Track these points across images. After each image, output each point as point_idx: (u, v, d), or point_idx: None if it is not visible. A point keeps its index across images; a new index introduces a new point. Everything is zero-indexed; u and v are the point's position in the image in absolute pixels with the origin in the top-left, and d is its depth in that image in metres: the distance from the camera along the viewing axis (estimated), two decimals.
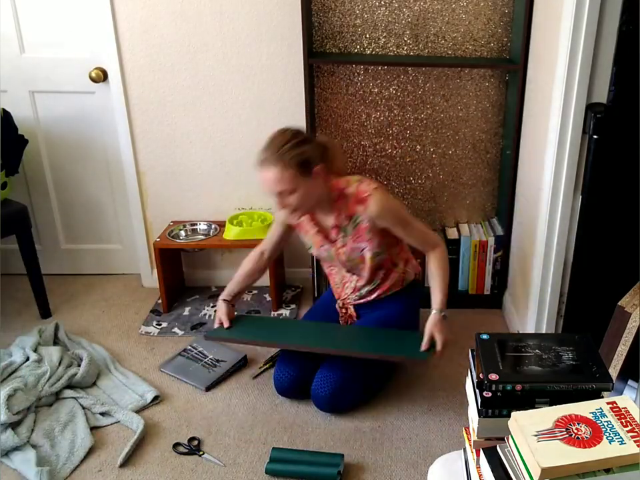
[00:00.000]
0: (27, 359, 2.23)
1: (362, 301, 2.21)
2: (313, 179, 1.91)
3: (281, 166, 1.84)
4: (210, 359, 2.35)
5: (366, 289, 2.18)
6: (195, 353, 2.39)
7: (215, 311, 2.28)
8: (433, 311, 2.04)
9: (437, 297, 2.06)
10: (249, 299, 2.84)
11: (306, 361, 2.12)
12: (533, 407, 1.10)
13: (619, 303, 1.61)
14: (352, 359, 2.06)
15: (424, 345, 2.00)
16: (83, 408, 2.09)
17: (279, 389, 2.16)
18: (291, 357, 2.15)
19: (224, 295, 2.24)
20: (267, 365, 2.35)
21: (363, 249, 2.07)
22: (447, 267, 2.09)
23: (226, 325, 2.18)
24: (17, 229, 2.51)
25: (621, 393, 1.59)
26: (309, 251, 2.23)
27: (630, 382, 1.60)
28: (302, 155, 1.86)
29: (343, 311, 2.27)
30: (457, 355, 2.40)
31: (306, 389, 2.10)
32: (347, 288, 2.22)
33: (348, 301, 2.24)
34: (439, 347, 1.99)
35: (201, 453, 1.93)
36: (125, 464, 1.89)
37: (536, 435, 0.99)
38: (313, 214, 2.10)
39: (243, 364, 2.35)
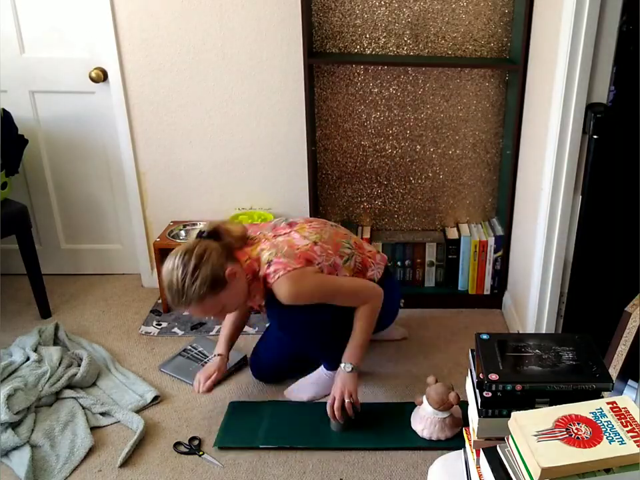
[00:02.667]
0: (27, 359, 2.23)
1: None
2: (231, 282, 1.80)
3: (194, 303, 1.76)
4: (210, 359, 2.35)
5: None
6: (195, 353, 2.39)
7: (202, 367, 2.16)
8: (341, 364, 1.96)
9: (349, 349, 1.97)
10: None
11: (280, 348, 2.18)
12: (532, 407, 1.10)
13: (626, 309, 1.61)
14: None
15: (334, 412, 1.93)
16: (83, 408, 2.08)
17: (254, 373, 2.24)
18: (264, 343, 2.25)
19: (221, 349, 2.14)
20: None
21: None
22: (371, 319, 1.97)
23: (205, 388, 2.04)
24: (16, 229, 2.51)
25: (621, 393, 1.59)
26: None
27: (630, 382, 1.60)
28: (205, 281, 1.74)
29: None
30: (457, 354, 2.41)
31: (282, 372, 2.21)
32: None
33: None
34: (336, 405, 1.92)
35: (200, 453, 1.93)
36: (124, 464, 1.89)
37: (536, 435, 0.99)
38: None
39: (242, 364, 2.35)
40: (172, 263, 1.76)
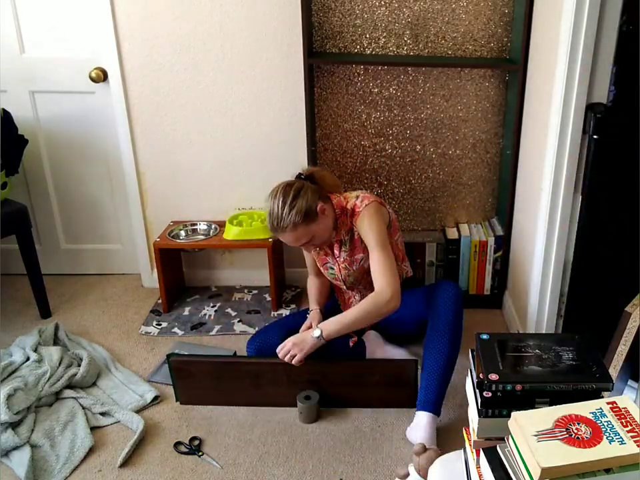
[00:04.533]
0: (27, 359, 2.23)
1: None
2: (320, 217, 2.01)
3: (289, 229, 1.98)
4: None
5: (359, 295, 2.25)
6: None
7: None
8: (315, 331, 1.98)
9: (331, 319, 2.00)
10: (249, 299, 2.84)
11: (273, 332, 2.19)
12: (532, 407, 1.10)
13: (626, 309, 1.61)
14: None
15: (279, 354, 2.01)
16: (83, 408, 2.08)
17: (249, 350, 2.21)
18: (261, 331, 2.26)
19: (314, 305, 2.26)
20: None
21: (360, 260, 2.15)
22: (371, 312, 1.95)
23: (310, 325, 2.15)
24: (16, 228, 2.51)
25: (621, 393, 1.59)
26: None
27: (630, 382, 1.60)
28: (300, 211, 1.96)
29: None
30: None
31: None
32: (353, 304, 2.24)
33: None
34: (281, 353, 2.00)
35: (200, 453, 1.93)
36: (125, 464, 1.89)
37: (536, 435, 0.99)
38: None
39: None
40: (274, 194, 2.02)
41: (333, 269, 2.22)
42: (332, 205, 2.11)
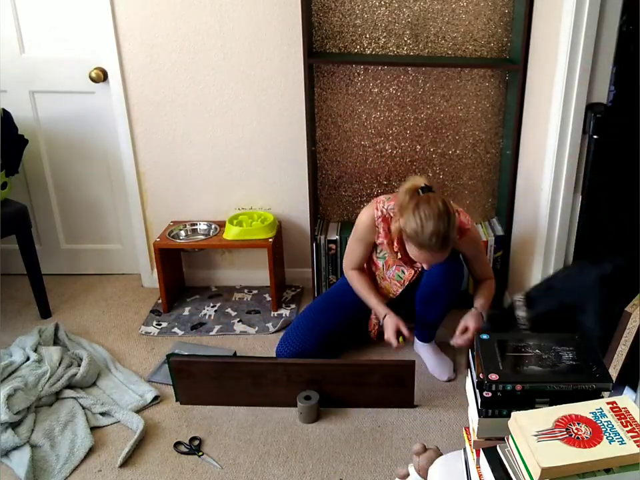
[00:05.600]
0: (27, 359, 2.23)
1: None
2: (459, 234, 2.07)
3: (445, 251, 1.97)
4: None
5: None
6: None
7: (381, 328, 2.27)
8: (473, 308, 2.21)
9: (480, 300, 2.23)
10: (249, 299, 2.84)
11: (309, 336, 2.21)
12: (532, 407, 1.10)
13: (626, 309, 1.61)
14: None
15: (458, 333, 2.18)
16: (83, 408, 2.08)
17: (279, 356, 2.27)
18: (294, 333, 2.27)
19: (384, 310, 2.22)
20: None
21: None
22: (493, 294, 2.30)
23: (406, 333, 2.18)
24: (16, 229, 2.51)
25: (621, 393, 1.59)
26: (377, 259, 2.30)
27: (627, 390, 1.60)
28: (453, 238, 1.97)
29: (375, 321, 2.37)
30: (456, 354, 2.41)
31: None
32: (392, 286, 2.33)
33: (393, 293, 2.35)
34: (469, 334, 2.15)
35: (200, 453, 1.93)
36: (125, 464, 1.89)
37: (536, 435, 0.99)
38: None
39: None
40: (438, 214, 1.89)
41: (404, 273, 2.24)
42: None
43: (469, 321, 2.18)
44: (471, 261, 2.27)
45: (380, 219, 2.12)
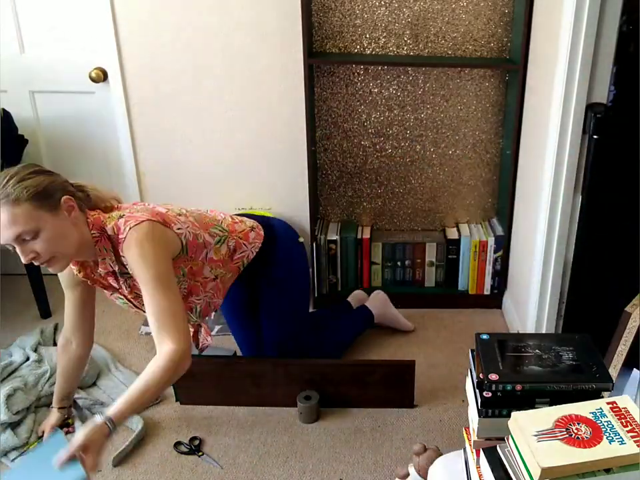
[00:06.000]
0: (27, 359, 2.23)
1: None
2: (61, 213, 1.55)
3: (10, 204, 1.47)
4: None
5: (196, 314, 1.92)
6: None
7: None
8: (99, 417, 1.46)
9: (120, 402, 1.50)
10: None
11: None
12: (532, 407, 1.10)
13: (626, 309, 1.61)
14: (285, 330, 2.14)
15: (69, 454, 1.40)
16: (83, 408, 2.08)
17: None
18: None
19: (56, 403, 1.95)
20: None
21: None
22: (163, 376, 1.52)
23: (46, 435, 1.86)
24: None
25: (621, 393, 1.59)
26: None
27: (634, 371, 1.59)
28: (36, 185, 1.50)
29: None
30: (457, 354, 2.41)
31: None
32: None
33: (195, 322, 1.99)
34: (86, 470, 1.40)
35: (200, 453, 1.93)
36: (125, 464, 1.89)
37: (536, 435, 0.99)
38: (79, 262, 1.74)
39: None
40: (9, 168, 1.53)
41: (121, 299, 1.83)
42: (85, 220, 1.64)
43: (90, 440, 1.41)
44: (143, 295, 1.60)
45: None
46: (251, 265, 2.00)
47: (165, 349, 1.53)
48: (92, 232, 1.63)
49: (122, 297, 1.82)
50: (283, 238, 2.13)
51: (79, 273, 1.76)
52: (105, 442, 1.46)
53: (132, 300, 1.81)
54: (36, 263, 1.62)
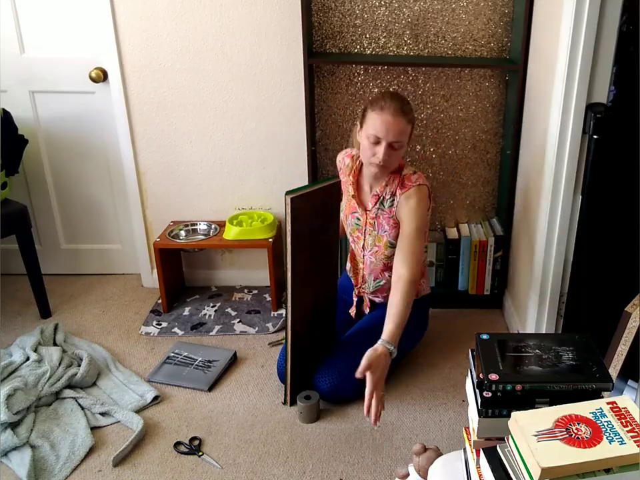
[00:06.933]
0: (27, 359, 2.23)
1: (374, 296, 2.29)
2: (409, 141, 2.03)
3: (407, 120, 1.95)
4: (200, 360, 2.34)
5: (372, 283, 2.25)
6: (182, 359, 2.36)
7: None
8: (380, 341, 1.86)
9: (389, 326, 1.90)
10: (249, 299, 2.84)
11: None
12: (533, 407, 1.10)
13: (626, 309, 1.61)
14: (352, 350, 2.07)
15: (358, 374, 1.78)
16: (83, 408, 2.08)
17: (280, 375, 2.20)
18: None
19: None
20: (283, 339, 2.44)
21: (385, 231, 2.12)
22: (411, 306, 1.96)
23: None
24: (16, 229, 2.51)
25: (621, 393, 1.59)
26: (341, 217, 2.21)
27: (630, 382, 1.60)
28: (414, 117, 2.01)
29: (355, 299, 2.34)
30: (457, 354, 2.41)
31: (307, 376, 2.14)
32: (360, 275, 2.28)
33: (363, 290, 2.30)
34: (368, 387, 1.78)
35: (200, 453, 1.93)
36: (125, 464, 1.89)
37: (536, 435, 0.99)
38: (361, 178, 2.16)
39: (233, 360, 2.37)
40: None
41: (359, 220, 2.18)
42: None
43: (369, 362, 1.79)
44: (400, 235, 2.05)
45: (343, 155, 2.26)
46: None
47: (404, 277, 1.97)
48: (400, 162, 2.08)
49: (361, 219, 2.17)
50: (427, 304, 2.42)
51: (351, 181, 2.16)
52: (388, 361, 1.84)
53: (366, 225, 2.17)
54: (379, 163, 1.98)
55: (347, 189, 2.20)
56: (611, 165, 1.98)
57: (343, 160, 2.25)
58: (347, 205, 2.22)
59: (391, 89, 2.58)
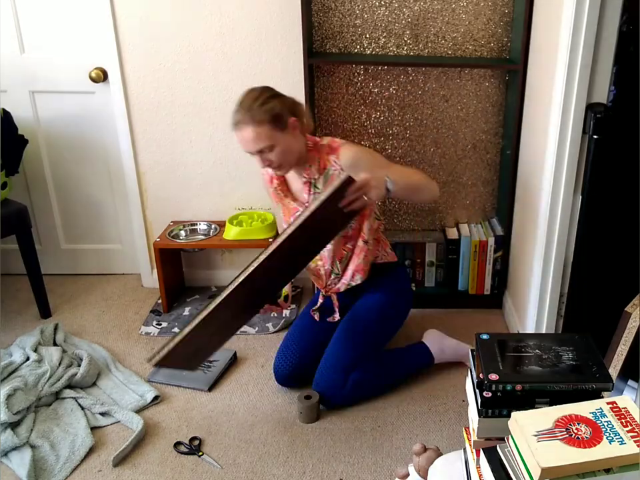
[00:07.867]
0: (27, 359, 2.23)
1: (343, 285, 2.17)
2: (290, 131, 1.91)
3: (255, 123, 1.84)
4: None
5: (341, 265, 2.14)
6: None
7: None
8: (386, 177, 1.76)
9: (397, 167, 2.03)
10: None
11: (307, 349, 2.14)
12: (533, 407, 1.10)
13: (626, 309, 1.61)
14: (353, 354, 2.07)
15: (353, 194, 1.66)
16: (83, 408, 2.09)
17: (278, 377, 2.19)
18: (291, 346, 2.19)
19: None
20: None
21: None
22: (423, 180, 1.91)
23: None
24: (17, 228, 2.51)
25: (621, 393, 1.59)
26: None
27: (630, 382, 1.60)
28: (273, 109, 1.86)
29: (321, 301, 2.25)
30: None
31: (306, 378, 2.13)
32: (322, 272, 2.17)
33: (333, 287, 2.21)
34: (358, 182, 1.65)
35: (200, 453, 1.93)
36: (125, 464, 1.89)
37: (536, 435, 0.99)
38: (285, 179, 2.11)
39: (233, 360, 2.37)
40: (252, 88, 1.92)
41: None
42: (304, 134, 1.99)
43: (364, 179, 1.67)
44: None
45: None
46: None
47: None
48: (307, 142, 2.00)
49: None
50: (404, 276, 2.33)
51: (278, 187, 2.10)
52: (381, 185, 1.71)
53: None
54: (269, 170, 2.01)
55: (278, 194, 2.13)
56: (611, 165, 1.98)
57: (266, 171, 2.12)
58: (285, 212, 2.14)
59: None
